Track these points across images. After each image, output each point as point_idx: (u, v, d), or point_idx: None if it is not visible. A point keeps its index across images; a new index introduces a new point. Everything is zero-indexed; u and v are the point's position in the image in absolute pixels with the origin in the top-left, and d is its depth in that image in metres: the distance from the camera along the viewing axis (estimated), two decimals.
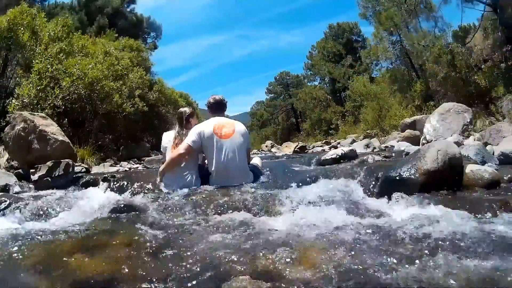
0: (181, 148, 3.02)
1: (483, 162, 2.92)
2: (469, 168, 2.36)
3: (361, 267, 1.30)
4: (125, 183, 3.52)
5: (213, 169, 2.93)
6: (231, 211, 2.20)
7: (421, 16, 12.05)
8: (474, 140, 4.36)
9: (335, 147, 12.21)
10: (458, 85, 9.97)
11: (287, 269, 1.30)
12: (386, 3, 12.65)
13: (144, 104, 11.44)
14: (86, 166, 5.81)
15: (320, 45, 27.80)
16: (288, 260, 1.38)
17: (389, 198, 2.21)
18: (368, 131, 13.28)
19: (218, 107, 3.28)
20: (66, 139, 5.47)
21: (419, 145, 4.69)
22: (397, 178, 2.31)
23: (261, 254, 1.45)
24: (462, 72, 9.71)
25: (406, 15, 12.42)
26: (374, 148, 6.62)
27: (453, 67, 10.06)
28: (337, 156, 4.14)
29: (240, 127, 3.11)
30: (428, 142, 4.78)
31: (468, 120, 4.85)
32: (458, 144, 3.88)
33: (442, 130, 4.75)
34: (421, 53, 11.76)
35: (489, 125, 7.54)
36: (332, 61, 26.63)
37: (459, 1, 10.68)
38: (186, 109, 3.49)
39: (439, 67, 10.96)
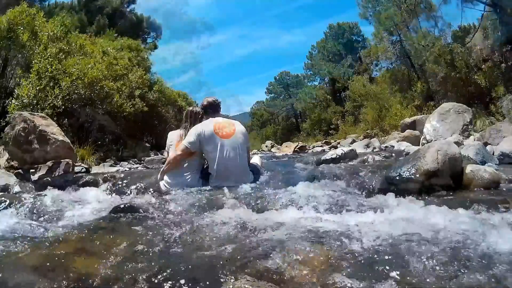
0: (178, 150, 3.02)
1: (483, 162, 2.92)
2: (469, 168, 2.36)
3: (358, 269, 1.30)
4: (125, 183, 3.52)
5: (214, 168, 2.92)
6: (231, 211, 2.20)
7: (421, 16, 12.04)
8: (474, 140, 4.36)
9: (335, 147, 12.21)
10: (458, 85, 9.97)
11: (285, 269, 1.30)
12: (386, 3, 12.64)
13: (144, 104, 11.41)
14: (86, 166, 5.80)
15: (320, 45, 27.79)
16: (284, 260, 1.38)
17: (387, 198, 2.21)
18: (368, 131, 13.27)
19: (213, 108, 3.28)
20: (66, 139, 5.45)
21: (419, 145, 4.69)
22: (397, 178, 2.30)
23: (260, 254, 1.45)
24: (462, 72, 9.71)
25: (406, 15, 12.42)
26: (374, 148, 6.61)
27: (453, 67, 10.06)
28: (337, 156, 4.14)
29: (240, 127, 3.12)
30: (428, 142, 4.78)
31: (468, 120, 4.84)
32: (458, 144, 3.88)
33: (442, 130, 4.74)
34: (421, 53, 11.75)
35: (489, 125, 7.53)
36: (332, 61, 26.62)
37: (459, 1, 10.68)
38: (198, 108, 3.46)
39: (439, 67, 10.95)
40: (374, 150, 6.00)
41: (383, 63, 15.39)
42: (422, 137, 4.94)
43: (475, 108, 8.84)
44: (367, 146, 6.39)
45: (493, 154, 3.36)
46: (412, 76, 13.36)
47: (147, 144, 11.84)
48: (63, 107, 7.42)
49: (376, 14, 13.47)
